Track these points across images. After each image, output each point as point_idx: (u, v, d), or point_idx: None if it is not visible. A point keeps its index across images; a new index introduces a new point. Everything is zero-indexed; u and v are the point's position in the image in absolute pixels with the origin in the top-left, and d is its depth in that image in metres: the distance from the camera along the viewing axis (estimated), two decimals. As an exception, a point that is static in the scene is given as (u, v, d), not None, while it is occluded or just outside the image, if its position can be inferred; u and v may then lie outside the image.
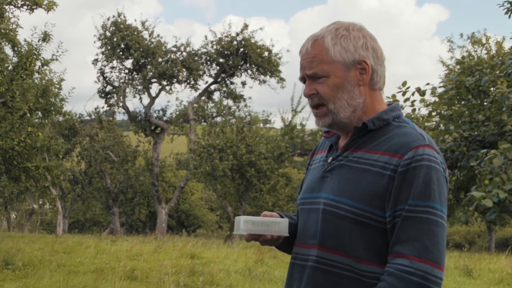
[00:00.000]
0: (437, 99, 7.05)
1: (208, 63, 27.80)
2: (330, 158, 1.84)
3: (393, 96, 6.53)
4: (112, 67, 28.03)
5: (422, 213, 1.63)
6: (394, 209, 1.65)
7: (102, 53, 27.38)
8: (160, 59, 26.93)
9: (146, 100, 28.49)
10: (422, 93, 6.58)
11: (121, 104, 28.37)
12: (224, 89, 28.35)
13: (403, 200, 1.64)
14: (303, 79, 1.83)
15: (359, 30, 1.81)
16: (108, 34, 27.02)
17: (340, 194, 1.73)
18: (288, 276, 1.88)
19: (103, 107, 29.07)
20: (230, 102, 28.14)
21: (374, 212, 1.68)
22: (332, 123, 1.80)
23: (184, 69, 27.08)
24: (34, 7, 14.14)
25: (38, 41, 13.68)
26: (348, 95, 1.77)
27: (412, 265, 1.59)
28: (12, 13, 14.19)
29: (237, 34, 26.65)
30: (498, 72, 6.72)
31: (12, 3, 14.15)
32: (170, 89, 28.03)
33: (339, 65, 1.77)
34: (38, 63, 13.78)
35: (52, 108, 13.80)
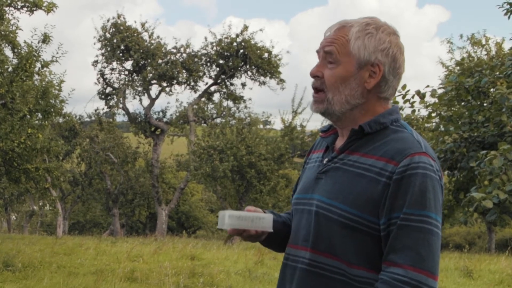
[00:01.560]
0: (437, 100, 7.06)
1: (208, 64, 27.82)
2: (326, 159, 1.82)
3: (393, 98, 6.54)
4: (112, 69, 28.07)
5: (417, 222, 1.61)
6: (389, 217, 1.64)
7: (102, 54, 27.41)
8: (160, 61, 26.94)
9: (146, 101, 28.56)
10: (422, 95, 6.58)
11: (121, 106, 28.39)
12: (224, 90, 28.37)
13: (398, 208, 1.62)
14: (318, 54, 1.81)
15: (388, 34, 1.76)
16: (108, 35, 27.04)
17: (333, 198, 1.71)
18: (280, 276, 1.87)
19: (103, 109, 29.17)
20: (230, 103, 28.18)
21: (366, 218, 1.66)
22: (325, 111, 1.78)
23: (184, 71, 27.09)
24: (34, 8, 14.16)
25: (38, 42, 13.70)
26: (349, 92, 1.75)
27: (407, 274, 1.58)
28: (12, 14, 14.22)
29: (237, 36, 26.67)
30: (497, 73, 6.73)
31: (12, 4, 14.17)
32: (170, 90, 28.08)
33: (353, 60, 1.74)
34: (38, 65, 13.80)
35: (52, 110, 13.82)
